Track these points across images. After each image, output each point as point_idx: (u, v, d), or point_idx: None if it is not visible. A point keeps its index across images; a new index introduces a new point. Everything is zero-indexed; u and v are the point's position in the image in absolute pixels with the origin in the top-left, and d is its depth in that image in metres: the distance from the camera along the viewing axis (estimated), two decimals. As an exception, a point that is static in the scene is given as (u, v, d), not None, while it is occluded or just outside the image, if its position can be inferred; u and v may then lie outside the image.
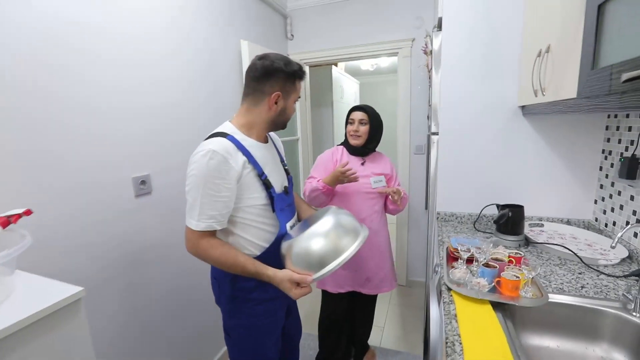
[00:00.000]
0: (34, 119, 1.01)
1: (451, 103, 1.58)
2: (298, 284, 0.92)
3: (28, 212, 0.80)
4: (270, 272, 0.93)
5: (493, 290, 0.95)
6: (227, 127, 0.99)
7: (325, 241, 0.93)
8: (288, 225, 1.06)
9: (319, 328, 1.72)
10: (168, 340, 1.55)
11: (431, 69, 1.72)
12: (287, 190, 1.08)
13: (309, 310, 2.37)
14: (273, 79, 0.98)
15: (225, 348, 1.76)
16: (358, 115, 1.52)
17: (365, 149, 1.55)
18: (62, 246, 1.09)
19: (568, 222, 1.47)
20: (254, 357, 1.10)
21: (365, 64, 4.95)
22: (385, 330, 2.21)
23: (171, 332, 1.56)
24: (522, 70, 1.38)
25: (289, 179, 1.14)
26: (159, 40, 1.42)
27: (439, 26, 1.60)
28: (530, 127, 1.47)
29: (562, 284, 1.01)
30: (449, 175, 1.63)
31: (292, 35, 2.66)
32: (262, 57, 0.99)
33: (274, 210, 1.01)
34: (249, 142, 0.99)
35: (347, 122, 1.57)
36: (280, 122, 1.07)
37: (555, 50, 1.05)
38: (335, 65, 3.98)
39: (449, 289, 0.99)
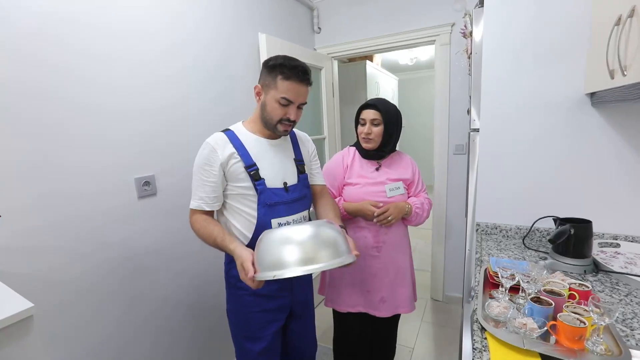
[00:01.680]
0: (33, 120, 0.98)
1: (495, 93, 1.31)
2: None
3: (-4, 216, 0.74)
4: (232, 246, 0.93)
5: (545, 336, 0.71)
6: (235, 124, 1.09)
7: (283, 248, 0.83)
8: (275, 221, 1.03)
9: (333, 349, 1.54)
10: (183, 347, 1.49)
11: (471, 54, 1.46)
12: (288, 188, 1.07)
13: (329, 324, 2.20)
14: (261, 73, 1.04)
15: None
16: (370, 114, 1.28)
17: (380, 152, 1.33)
18: (61, 251, 1.06)
19: (656, 243, 1.13)
20: (240, 345, 1.13)
21: (404, 58, 4.65)
22: (415, 352, 1.96)
23: (186, 337, 1.50)
24: (593, 46, 1.08)
25: (301, 178, 1.11)
26: (163, 35, 1.35)
27: (481, 2, 1.34)
28: (602, 120, 1.16)
29: (651, 334, 0.73)
30: (492, 179, 1.36)
31: (319, 28, 2.51)
32: None
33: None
34: (248, 137, 1.05)
35: (357, 122, 1.35)
36: (265, 120, 1.04)
37: (644, 13, 0.77)
38: (370, 60, 3.76)
39: (483, 329, 0.77)
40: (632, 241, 1.15)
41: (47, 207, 1.02)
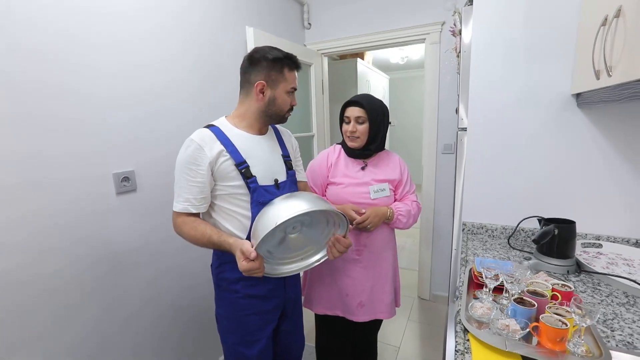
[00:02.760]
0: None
1: (483, 92, 1.30)
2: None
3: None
4: (231, 240, 0.92)
5: (527, 338, 0.71)
6: (219, 120, 1.04)
7: (270, 209, 0.89)
8: None
9: (315, 348, 1.52)
10: (164, 350, 1.44)
11: (460, 52, 1.45)
12: (279, 185, 1.04)
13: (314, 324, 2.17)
14: (257, 69, 0.99)
15: None
16: (354, 111, 1.23)
17: (366, 151, 1.28)
18: (32, 249, 1.00)
19: (637, 244, 1.14)
20: (234, 350, 1.08)
21: (395, 57, 4.65)
22: (400, 351, 1.96)
23: (167, 340, 1.45)
24: (579, 47, 1.09)
25: (289, 174, 1.10)
26: (145, 19, 1.29)
27: (470, 0, 1.33)
28: (588, 121, 1.16)
29: (632, 335, 0.73)
30: (479, 178, 1.36)
31: (309, 23, 2.48)
32: (252, 50, 1.02)
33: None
34: (235, 133, 1.00)
35: (341, 120, 1.30)
36: (272, 114, 1.04)
37: (629, 13, 0.77)
38: (361, 57, 3.74)
39: (466, 330, 0.76)
40: (613, 241, 1.16)
41: (15, 200, 0.96)
